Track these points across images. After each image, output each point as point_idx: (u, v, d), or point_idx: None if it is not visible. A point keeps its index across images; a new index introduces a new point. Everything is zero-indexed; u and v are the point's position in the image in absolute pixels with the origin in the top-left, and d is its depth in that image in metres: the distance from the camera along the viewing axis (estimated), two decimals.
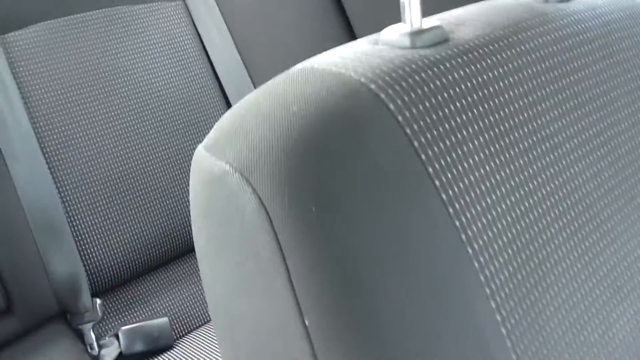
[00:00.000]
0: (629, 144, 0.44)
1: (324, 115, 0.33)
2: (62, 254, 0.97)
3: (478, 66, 0.38)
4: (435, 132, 0.34)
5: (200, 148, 0.36)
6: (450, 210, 0.33)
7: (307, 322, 0.29)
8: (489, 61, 0.39)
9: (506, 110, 0.38)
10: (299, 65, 0.38)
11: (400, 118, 0.34)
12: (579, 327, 0.38)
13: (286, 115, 0.33)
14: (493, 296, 0.33)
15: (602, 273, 0.40)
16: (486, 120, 0.36)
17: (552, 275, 0.37)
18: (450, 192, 0.33)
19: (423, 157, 0.33)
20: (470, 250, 0.33)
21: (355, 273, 0.30)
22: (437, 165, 0.33)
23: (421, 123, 0.34)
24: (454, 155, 0.34)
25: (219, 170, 0.33)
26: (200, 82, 1.14)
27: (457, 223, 0.33)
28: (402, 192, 0.32)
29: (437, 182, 0.33)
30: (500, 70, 0.39)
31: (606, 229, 0.41)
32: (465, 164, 0.35)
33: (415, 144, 0.33)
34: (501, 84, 0.38)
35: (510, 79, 0.39)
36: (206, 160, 0.34)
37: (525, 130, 0.38)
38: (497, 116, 0.37)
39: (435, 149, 0.34)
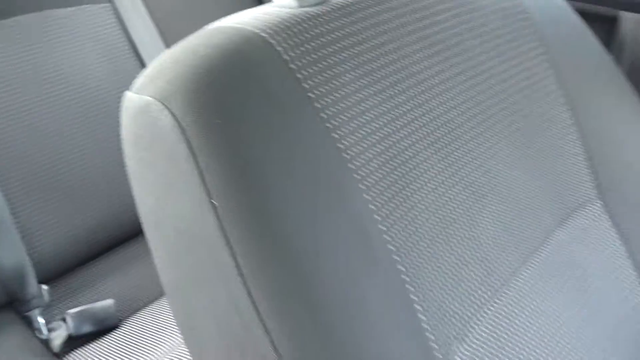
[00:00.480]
0: (488, 82, 0.54)
1: (224, 57, 0.41)
2: (6, 246, 1.01)
3: (352, 18, 0.47)
4: (316, 67, 0.43)
5: (127, 93, 0.43)
6: (329, 125, 0.42)
7: (216, 204, 0.37)
8: (360, 15, 0.48)
9: (376, 51, 0.47)
10: (208, 26, 0.46)
11: (286, 57, 0.42)
12: (447, 223, 0.47)
13: (195, 58, 0.41)
14: (367, 191, 0.42)
15: (465, 183, 0.49)
16: (359, 58, 0.45)
17: (421, 180, 0.46)
18: (329, 111, 0.42)
19: (306, 85, 0.42)
20: (346, 156, 0.42)
21: (248, 170, 0.38)
22: (317, 92, 0.42)
23: (304, 60, 0.43)
24: (331, 84, 0.43)
25: (143, 103, 0.41)
26: (132, 79, 1.20)
27: (335, 135, 0.42)
28: (288, 111, 0.41)
29: (317, 105, 0.42)
30: (371, 21, 0.48)
31: (468, 148, 0.51)
32: (342, 91, 0.43)
33: (299, 75, 0.42)
34: (371, 31, 0.47)
35: (379, 29, 0.48)
36: (133, 99, 0.42)
37: (393, 67, 0.47)
38: (368, 55, 0.46)
39: (316, 79, 0.42)
